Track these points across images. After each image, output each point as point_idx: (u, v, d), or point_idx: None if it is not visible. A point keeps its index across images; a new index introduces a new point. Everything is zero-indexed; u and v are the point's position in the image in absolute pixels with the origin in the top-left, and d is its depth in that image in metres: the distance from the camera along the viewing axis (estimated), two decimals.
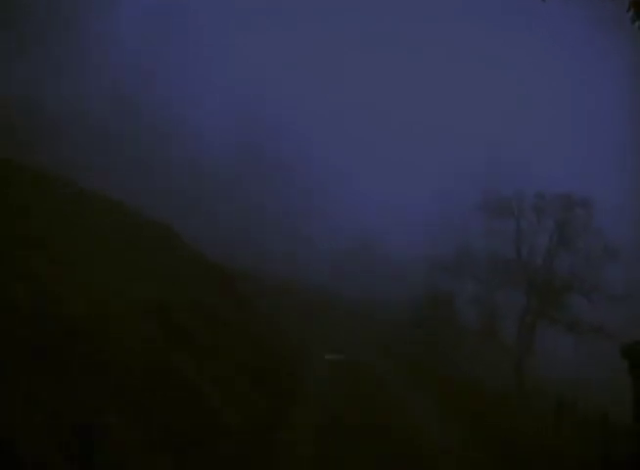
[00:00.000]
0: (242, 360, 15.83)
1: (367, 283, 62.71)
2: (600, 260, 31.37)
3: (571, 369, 32.13)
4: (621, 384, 9.52)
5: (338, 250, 73.74)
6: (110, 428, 7.76)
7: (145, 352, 10.42)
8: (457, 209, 51.74)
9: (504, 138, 77.04)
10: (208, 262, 25.77)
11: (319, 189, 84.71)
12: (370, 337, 38.42)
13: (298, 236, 75.22)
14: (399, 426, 15.07)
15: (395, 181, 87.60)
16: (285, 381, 18.73)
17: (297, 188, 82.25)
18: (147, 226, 23.08)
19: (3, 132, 32.68)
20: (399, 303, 43.02)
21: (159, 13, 73.87)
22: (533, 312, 32.90)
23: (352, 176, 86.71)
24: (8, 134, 32.40)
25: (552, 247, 32.96)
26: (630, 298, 31.56)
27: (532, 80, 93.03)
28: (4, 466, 6.15)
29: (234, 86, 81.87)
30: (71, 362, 8.27)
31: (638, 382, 8.15)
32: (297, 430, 13.55)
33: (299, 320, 36.82)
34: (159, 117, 62.40)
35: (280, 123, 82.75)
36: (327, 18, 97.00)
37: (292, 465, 10.76)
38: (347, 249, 74.55)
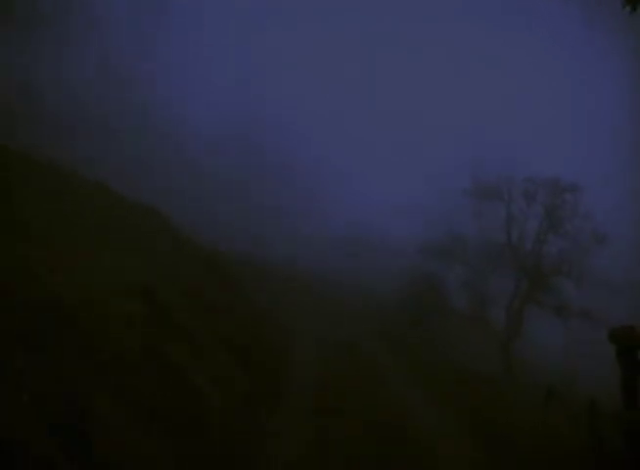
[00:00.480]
0: (228, 343, 15.82)
1: (355, 267, 62.90)
2: (589, 245, 31.62)
3: (559, 354, 32.31)
4: (610, 369, 9.55)
5: (327, 234, 73.91)
6: (98, 412, 7.73)
7: (131, 335, 10.37)
8: (447, 194, 51.80)
9: (500, 134, 77.36)
10: (197, 246, 25.72)
11: (310, 174, 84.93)
12: (357, 321, 38.49)
13: (291, 221, 75.51)
14: (385, 408, 15.13)
15: (385, 166, 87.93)
16: (270, 363, 18.77)
17: (289, 171, 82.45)
18: (134, 210, 22.99)
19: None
20: (387, 287, 43.16)
21: (158, 12, 73.56)
22: (522, 296, 33.18)
23: (342, 161, 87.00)
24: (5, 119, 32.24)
25: (541, 231, 33.20)
26: (619, 283, 31.81)
27: (532, 78, 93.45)
28: None
29: (233, 85, 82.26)
30: (57, 346, 8.21)
31: (625, 367, 8.16)
32: (283, 412, 13.57)
33: (288, 304, 36.94)
34: (158, 117, 62.34)
35: (278, 119, 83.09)
36: (327, 17, 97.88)
37: (276, 447, 10.76)
38: (335, 233, 74.75)
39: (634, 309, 33.44)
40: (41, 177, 17.78)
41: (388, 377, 20.88)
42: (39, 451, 6.37)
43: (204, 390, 11.36)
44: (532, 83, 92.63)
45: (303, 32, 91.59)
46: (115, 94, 56.19)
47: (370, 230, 75.88)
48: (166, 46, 72.73)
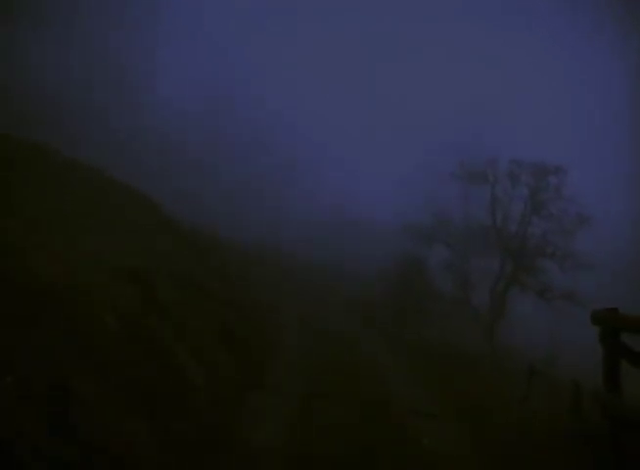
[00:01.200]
0: (214, 325, 15.85)
1: (338, 249, 63.00)
2: (573, 227, 31.79)
3: (543, 336, 32.58)
4: (592, 352, 9.63)
5: (311, 218, 74.02)
6: (82, 393, 7.75)
7: (116, 317, 10.35)
8: (432, 176, 51.97)
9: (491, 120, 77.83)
10: (183, 229, 25.69)
11: (297, 158, 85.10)
12: (341, 305, 38.64)
13: (276, 206, 75.76)
14: (369, 391, 15.22)
15: (370, 149, 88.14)
16: (256, 346, 18.83)
17: (277, 159, 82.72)
18: (125, 194, 22.90)
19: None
20: (371, 269, 43.27)
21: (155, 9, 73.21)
22: (506, 278, 33.36)
23: (329, 144, 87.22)
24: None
25: (526, 213, 33.34)
26: (602, 266, 32.06)
27: (530, 75, 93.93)
28: None
29: (214, 69, 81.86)
30: (41, 328, 8.20)
31: (608, 349, 8.25)
32: (267, 393, 13.62)
33: (272, 286, 37.02)
34: (138, 99, 62.11)
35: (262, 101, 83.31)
36: (326, 16, 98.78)
37: (261, 428, 10.81)
38: (320, 217, 74.88)
39: (618, 292, 33.78)
40: (28, 160, 17.68)
41: (373, 361, 20.99)
42: (22, 432, 6.38)
43: (189, 372, 11.39)
44: (530, 79, 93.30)
45: (301, 31, 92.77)
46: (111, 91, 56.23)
47: (354, 213, 76.04)
48: (166, 44, 72.60)
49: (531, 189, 33.13)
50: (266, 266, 43.03)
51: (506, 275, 33.55)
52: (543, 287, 32.31)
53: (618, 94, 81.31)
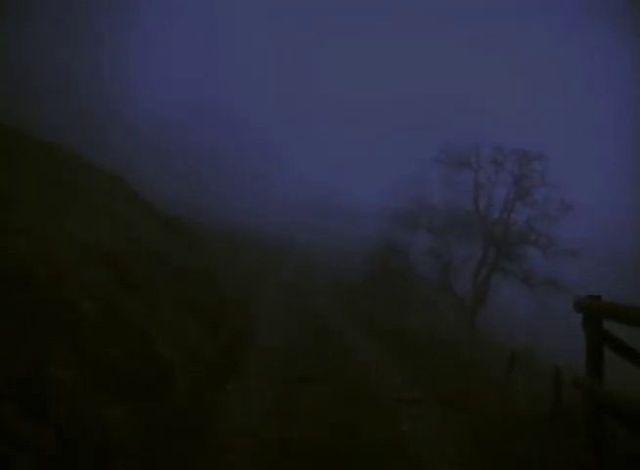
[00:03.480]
0: (193, 308, 15.84)
1: (322, 234, 63.23)
2: (556, 214, 32.02)
3: (524, 323, 32.81)
4: (575, 338, 9.71)
5: (295, 203, 74.32)
6: (57, 376, 7.71)
7: (92, 299, 10.31)
8: (414, 161, 52.19)
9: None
10: (164, 215, 25.62)
11: (280, 145, 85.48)
12: (324, 287, 38.78)
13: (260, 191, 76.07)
14: (352, 374, 15.28)
15: (353, 134, 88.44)
16: (236, 330, 18.86)
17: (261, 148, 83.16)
18: (99, 176, 22.75)
19: None
20: (355, 253, 43.44)
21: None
22: (489, 265, 33.57)
23: (312, 130, 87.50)
24: None
25: (509, 200, 33.56)
26: (585, 252, 32.29)
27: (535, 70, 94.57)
28: None
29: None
30: (15, 311, 8.14)
31: (591, 336, 8.33)
32: (247, 377, 13.63)
33: (256, 270, 37.09)
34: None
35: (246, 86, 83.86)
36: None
37: (240, 414, 10.82)
38: (304, 202, 75.22)
39: (602, 279, 34.13)
40: (7, 143, 17.55)
41: (356, 345, 21.07)
42: None
43: (166, 355, 11.36)
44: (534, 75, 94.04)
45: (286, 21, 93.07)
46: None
47: (339, 198, 76.35)
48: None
49: (515, 176, 33.33)
50: (250, 250, 43.11)
51: (489, 262, 33.75)
52: (527, 274, 32.62)
53: (606, 82, 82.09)
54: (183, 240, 24.66)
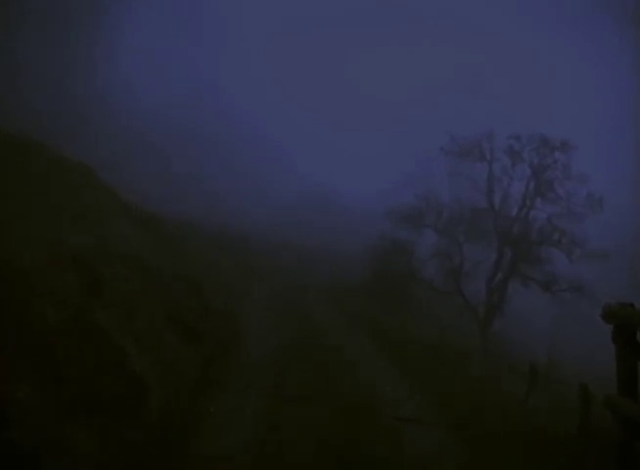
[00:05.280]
0: (172, 316, 15.73)
1: (320, 233, 63.34)
2: (582, 211, 31.61)
3: (545, 334, 32.71)
4: (602, 351, 9.60)
5: (291, 201, 74.85)
6: (18, 394, 7.64)
7: (59, 308, 10.20)
8: (420, 152, 52.18)
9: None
10: (140, 211, 25.53)
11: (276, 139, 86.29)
12: (317, 293, 38.67)
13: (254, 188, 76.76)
14: (346, 389, 15.17)
15: (351, 125, 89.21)
16: (222, 340, 18.75)
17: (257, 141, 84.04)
18: (70, 172, 22.60)
19: None
20: (355, 255, 43.31)
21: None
22: (505, 269, 33.16)
23: (310, 123, 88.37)
24: None
25: (528, 195, 33.14)
26: (613, 255, 32.01)
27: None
28: None
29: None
30: None
31: (622, 349, 8.18)
32: (229, 393, 13.53)
33: (244, 273, 37.06)
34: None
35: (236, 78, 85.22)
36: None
37: (221, 434, 10.72)
38: (301, 198, 75.74)
39: (632, 284, 33.80)
40: None
41: (355, 360, 20.96)
42: None
43: (140, 369, 11.26)
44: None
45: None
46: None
47: (334, 195, 76.63)
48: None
49: (535, 167, 32.93)
50: (240, 252, 43.15)
51: (505, 265, 33.33)
52: (548, 278, 32.09)
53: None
54: (163, 241, 24.55)
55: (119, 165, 41.42)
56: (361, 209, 66.97)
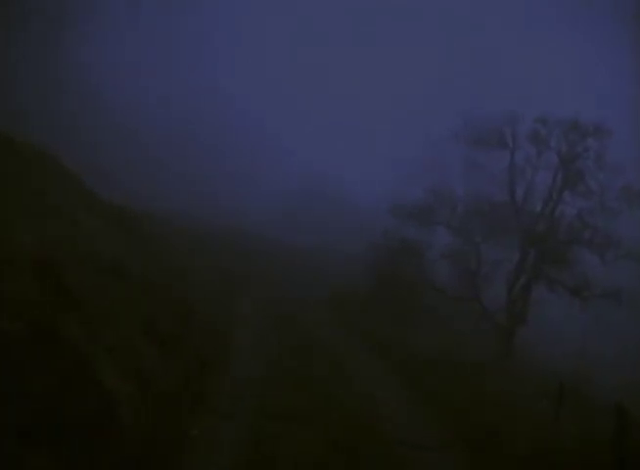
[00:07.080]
0: (146, 325, 15.66)
1: (321, 231, 63.60)
2: (617, 206, 31.30)
3: (575, 344, 32.58)
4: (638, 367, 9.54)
5: (290, 194, 75.69)
6: None
7: (19, 317, 10.17)
8: (430, 138, 52.23)
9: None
10: (114, 208, 25.53)
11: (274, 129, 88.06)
12: (313, 298, 38.51)
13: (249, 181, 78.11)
14: (350, 413, 15.12)
15: (353, 111, 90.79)
16: (202, 352, 18.68)
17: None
18: (34, 162, 22.55)
19: None
20: (355, 256, 43.22)
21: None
22: (528, 271, 32.86)
23: (311, 111, 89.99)
24: None
25: (555, 188, 32.82)
26: None
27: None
28: None
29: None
30: None
31: None
32: (213, 416, 13.49)
33: (231, 278, 37.02)
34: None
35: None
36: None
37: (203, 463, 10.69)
38: (301, 191, 76.54)
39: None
40: None
41: (356, 376, 20.90)
42: None
43: (108, 386, 11.19)
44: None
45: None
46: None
47: (336, 189, 77.18)
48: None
49: (563, 156, 32.53)
50: (228, 254, 43.28)
51: (528, 267, 32.98)
52: (578, 282, 31.41)
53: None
54: (140, 241, 24.54)
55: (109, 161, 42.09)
56: (366, 203, 67.21)
